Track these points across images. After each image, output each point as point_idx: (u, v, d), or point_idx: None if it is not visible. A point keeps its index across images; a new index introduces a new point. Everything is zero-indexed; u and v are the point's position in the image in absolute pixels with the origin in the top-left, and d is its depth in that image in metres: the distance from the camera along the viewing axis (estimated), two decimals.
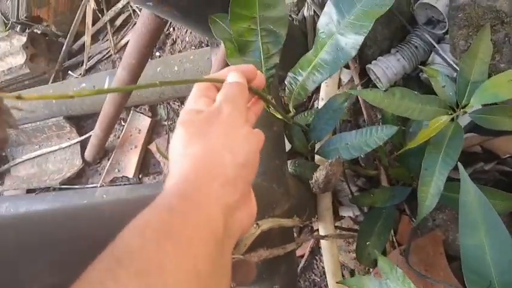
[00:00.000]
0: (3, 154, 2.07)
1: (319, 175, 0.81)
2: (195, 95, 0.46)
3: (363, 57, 1.07)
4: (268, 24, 0.70)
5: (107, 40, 1.93)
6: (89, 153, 1.78)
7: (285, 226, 0.74)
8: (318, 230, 1.10)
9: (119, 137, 1.77)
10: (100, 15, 1.91)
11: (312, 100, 1.23)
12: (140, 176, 1.72)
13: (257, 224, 0.64)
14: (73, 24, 1.91)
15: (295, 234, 1.11)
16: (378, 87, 1.06)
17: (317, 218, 1.06)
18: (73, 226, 0.38)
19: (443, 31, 0.98)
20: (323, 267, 1.26)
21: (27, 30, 1.91)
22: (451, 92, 0.78)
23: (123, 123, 1.80)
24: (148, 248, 0.29)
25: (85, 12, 1.88)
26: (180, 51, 1.68)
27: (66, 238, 0.35)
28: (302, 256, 1.31)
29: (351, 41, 0.67)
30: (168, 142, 1.65)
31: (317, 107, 1.17)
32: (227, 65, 0.71)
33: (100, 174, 1.81)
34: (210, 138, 0.40)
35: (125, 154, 1.73)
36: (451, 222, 1.00)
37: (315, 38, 0.72)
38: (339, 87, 1.11)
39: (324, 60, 0.70)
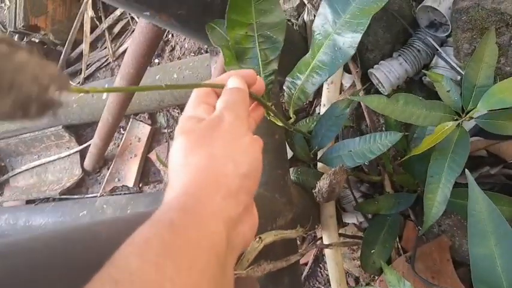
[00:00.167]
0: (2, 164, 2.06)
1: (322, 184, 0.79)
2: (194, 102, 0.44)
3: (365, 62, 1.05)
4: (265, 30, 0.69)
5: (105, 48, 1.92)
6: (88, 162, 1.76)
7: (288, 238, 0.72)
8: (321, 237, 1.08)
9: (118, 146, 1.76)
10: (98, 22, 1.90)
11: (313, 106, 1.21)
12: (140, 185, 1.71)
13: (260, 237, 0.62)
14: (71, 32, 1.89)
15: (298, 242, 1.09)
16: (380, 92, 1.05)
17: (320, 226, 1.04)
18: (67, 250, 0.36)
19: (446, 34, 0.97)
20: (327, 275, 1.24)
21: (25, 39, 1.90)
22: (456, 97, 0.76)
23: (122, 132, 1.79)
24: (147, 270, 0.28)
25: (83, 20, 1.87)
26: (179, 58, 1.67)
27: (60, 264, 0.33)
28: (306, 264, 1.29)
29: (349, 40, 0.66)
30: (168, 150, 1.64)
31: (318, 113, 1.16)
32: None
33: (100, 183, 1.80)
34: (212, 148, 0.38)
35: (125, 163, 1.72)
36: (457, 228, 0.98)
37: None
38: (340, 92, 1.10)
39: (322, 62, 0.69)
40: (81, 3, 1.86)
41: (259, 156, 0.41)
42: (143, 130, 1.71)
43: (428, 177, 0.76)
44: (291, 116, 0.71)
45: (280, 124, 0.70)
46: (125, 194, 1.69)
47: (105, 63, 1.92)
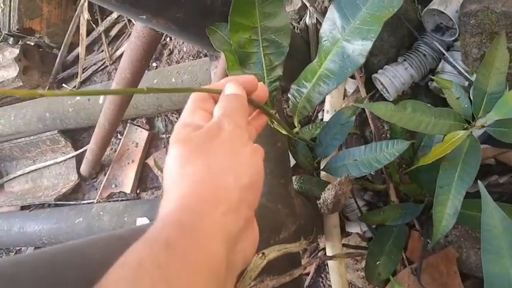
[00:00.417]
0: None
1: (327, 195, 0.76)
2: (190, 108, 0.42)
3: (369, 66, 1.02)
4: (269, 34, 0.66)
5: (102, 51, 1.88)
6: (84, 168, 1.73)
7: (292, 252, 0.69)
8: (324, 248, 1.04)
9: (115, 151, 1.72)
10: (94, 25, 1.86)
11: (316, 111, 1.18)
12: (138, 191, 1.67)
13: (263, 253, 0.59)
14: (67, 35, 1.86)
15: (300, 252, 1.06)
16: (384, 98, 1.02)
17: (324, 236, 1.01)
18: (57, 277, 0.33)
19: (453, 38, 0.94)
20: (330, 286, 1.21)
21: (20, 42, 1.87)
22: (466, 104, 0.73)
23: (119, 137, 1.75)
24: None
25: (79, 22, 1.83)
26: (177, 62, 1.64)
27: None
28: (307, 274, 1.26)
29: (359, 48, 0.63)
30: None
31: (321, 119, 1.13)
32: None
33: (96, 189, 1.76)
34: (211, 158, 0.36)
35: (122, 169, 1.68)
36: (464, 239, 0.96)
37: (318, 47, 0.68)
38: (344, 98, 1.06)
39: (330, 70, 0.66)
40: (77, 6, 1.83)
41: (261, 167, 0.39)
42: (141, 135, 1.68)
43: (438, 188, 0.73)
44: (296, 125, 0.68)
45: (284, 132, 0.67)
46: (122, 200, 1.65)
47: (102, 67, 1.89)
